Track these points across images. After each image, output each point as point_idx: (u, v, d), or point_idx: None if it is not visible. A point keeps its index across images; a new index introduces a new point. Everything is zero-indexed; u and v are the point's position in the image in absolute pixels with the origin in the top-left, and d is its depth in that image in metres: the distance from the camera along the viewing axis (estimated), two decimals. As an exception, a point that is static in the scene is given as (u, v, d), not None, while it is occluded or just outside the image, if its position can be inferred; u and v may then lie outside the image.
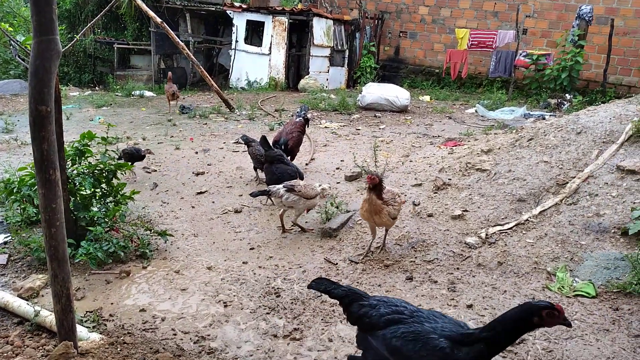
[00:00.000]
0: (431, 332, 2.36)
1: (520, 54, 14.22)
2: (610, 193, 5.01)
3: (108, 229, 4.64)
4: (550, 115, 10.82)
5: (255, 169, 6.87)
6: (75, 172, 4.58)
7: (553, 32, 15.18)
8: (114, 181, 4.81)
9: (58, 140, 3.92)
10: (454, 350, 2.26)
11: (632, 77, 14.46)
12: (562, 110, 12.12)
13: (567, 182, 5.31)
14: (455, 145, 7.83)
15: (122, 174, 4.92)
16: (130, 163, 6.82)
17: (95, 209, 4.71)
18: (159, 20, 11.64)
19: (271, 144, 6.43)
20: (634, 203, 4.73)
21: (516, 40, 14.35)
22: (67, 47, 3.01)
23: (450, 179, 6.04)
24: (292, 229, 5.40)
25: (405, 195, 5.90)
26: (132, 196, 4.89)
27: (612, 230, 4.57)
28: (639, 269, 3.88)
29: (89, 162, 4.70)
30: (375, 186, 4.39)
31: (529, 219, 4.97)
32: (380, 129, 10.30)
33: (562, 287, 3.97)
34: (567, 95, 13.39)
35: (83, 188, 4.55)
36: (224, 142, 8.83)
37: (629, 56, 14.39)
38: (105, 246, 4.34)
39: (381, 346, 2.48)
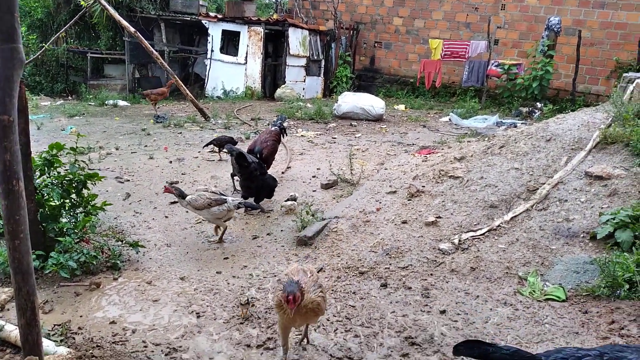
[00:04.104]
0: None
1: (492, 64, 14.51)
2: (579, 198, 5.13)
3: (78, 240, 4.54)
4: (521, 124, 11.04)
5: (232, 176, 6.82)
6: (43, 182, 4.49)
7: (523, 42, 15.54)
8: (84, 191, 4.73)
9: (25, 150, 3.85)
10: None
11: (599, 86, 14.87)
12: (534, 119, 12.37)
13: (538, 188, 5.41)
14: (429, 153, 7.92)
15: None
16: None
17: (64, 220, 4.61)
18: (132, 29, 11.53)
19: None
20: (602, 208, 4.84)
21: (488, 50, 14.65)
22: (36, 55, 2.95)
23: (424, 186, 6.10)
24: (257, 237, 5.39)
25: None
26: (103, 207, 4.81)
27: (581, 235, 4.66)
28: (607, 273, 3.96)
29: (58, 173, 4.61)
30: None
31: (500, 224, 5.04)
32: (356, 137, 10.36)
33: (533, 291, 4.02)
34: (538, 103, 13.68)
35: (52, 199, 4.46)
36: (199, 152, 8.76)
37: (596, 66, 14.81)
38: (76, 256, 4.25)
39: None
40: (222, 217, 5.23)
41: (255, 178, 5.98)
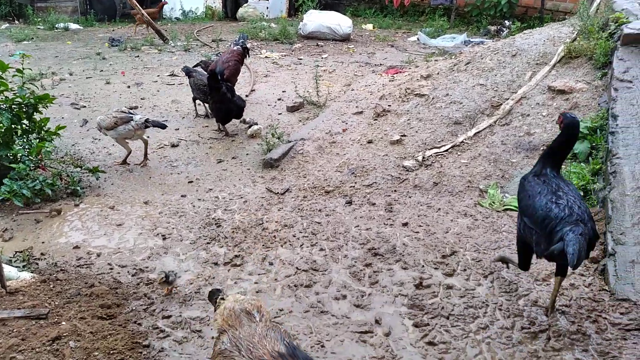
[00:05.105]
0: None
1: (462, -20, 14.06)
2: (541, 113, 5.18)
3: (34, 167, 4.39)
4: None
5: (194, 100, 6.60)
6: (-10, 107, 4.25)
7: (494, -44, 15.00)
8: (37, 116, 4.51)
9: (-37, 71, 3.59)
10: None
11: (568, 3, 14.65)
12: (501, 37, 12.23)
13: (501, 104, 5.44)
14: (397, 73, 7.80)
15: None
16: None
17: (18, 147, 4.42)
18: (77, -58, 10.58)
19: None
20: (562, 121, 4.91)
21: (458, -35, 14.13)
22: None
23: (390, 106, 6.05)
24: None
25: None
26: (58, 132, 4.62)
27: (542, 148, 4.75)
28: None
29: (6, 97, 4.36)
30: None
31: (464, 140, 5.09)
32: (322, 58, 10.08)
33: (493, 202, 4.14)
34: (506, 22, 13.46)
35: (1, 124, 4.24)
36: (158, 75, 8.40)
37: (566, -19, 14.52)
38: (31, 184, 4.12)
39: None
40: (129, 137, 5.02)
41: (227, 100, 5.80)
